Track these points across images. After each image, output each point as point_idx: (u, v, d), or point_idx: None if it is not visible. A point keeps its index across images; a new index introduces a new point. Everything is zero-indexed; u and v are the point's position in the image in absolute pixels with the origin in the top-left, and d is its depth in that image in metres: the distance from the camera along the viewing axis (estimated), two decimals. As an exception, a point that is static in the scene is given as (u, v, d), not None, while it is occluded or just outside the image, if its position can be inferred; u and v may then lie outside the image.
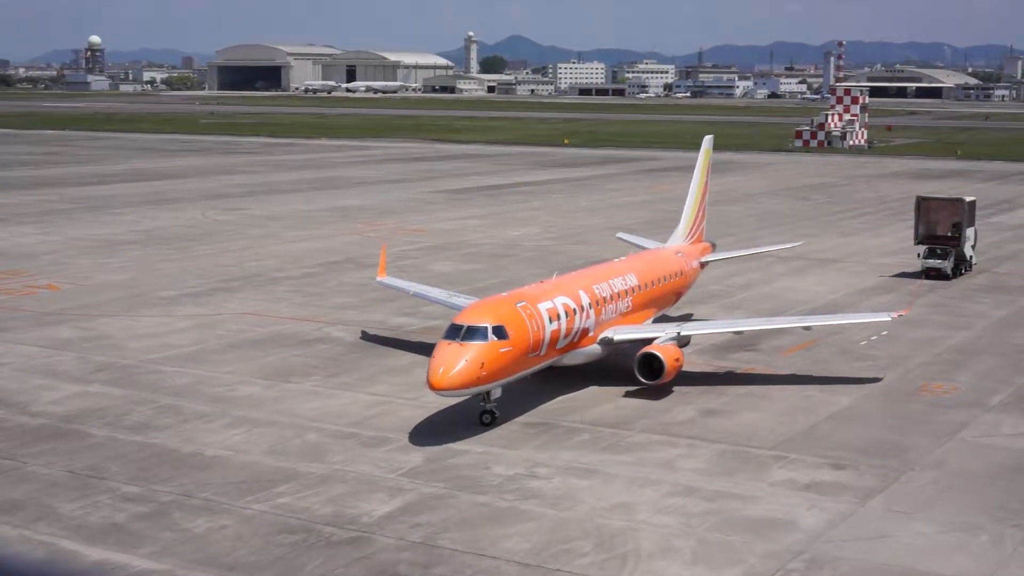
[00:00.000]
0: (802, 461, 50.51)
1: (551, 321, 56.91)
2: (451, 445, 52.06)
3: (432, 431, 53.97)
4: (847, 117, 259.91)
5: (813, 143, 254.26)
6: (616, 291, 64.16)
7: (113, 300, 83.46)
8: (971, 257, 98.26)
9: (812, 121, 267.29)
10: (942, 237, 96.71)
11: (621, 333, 62.62)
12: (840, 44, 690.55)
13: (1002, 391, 62.12)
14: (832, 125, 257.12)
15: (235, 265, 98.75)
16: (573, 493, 46.56)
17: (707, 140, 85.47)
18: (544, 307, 57.00)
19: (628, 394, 60.31)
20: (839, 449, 52.10)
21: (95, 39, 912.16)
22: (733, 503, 45.62)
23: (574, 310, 59.18)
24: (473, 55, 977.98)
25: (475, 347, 52.09)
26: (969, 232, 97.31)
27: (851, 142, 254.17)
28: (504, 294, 59.29)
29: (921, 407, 59.09)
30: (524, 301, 56.42)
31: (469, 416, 55.49)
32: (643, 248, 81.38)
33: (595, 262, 77.02)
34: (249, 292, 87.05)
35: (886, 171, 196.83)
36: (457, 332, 52.79)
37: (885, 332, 74.72)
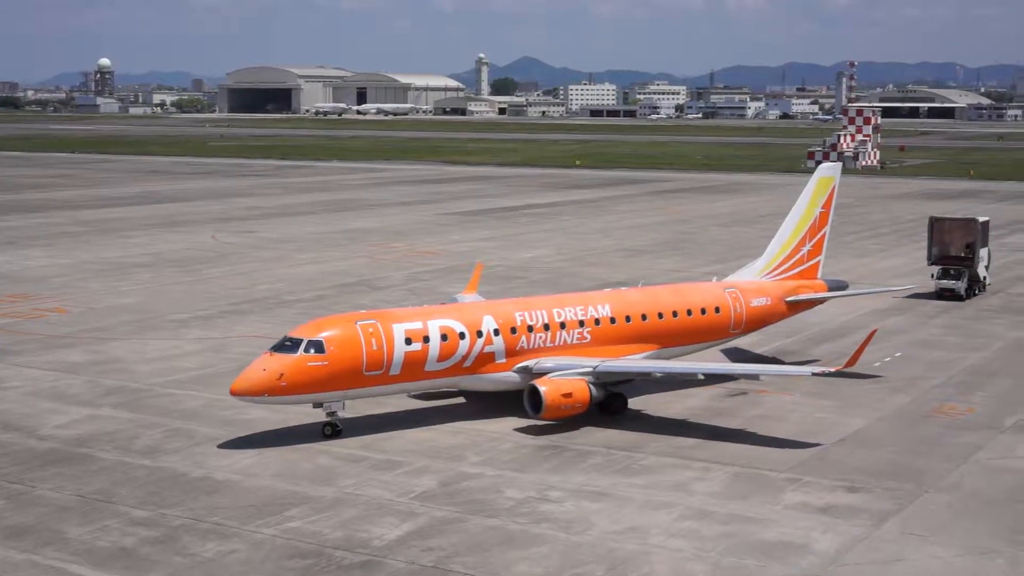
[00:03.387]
0: (816, 484, 50.12)
1: (408, 343, 56.73)
2: (463, 469, 51.80)
3: (444, 454, 53.76)
4: (859, 138, 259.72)
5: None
6: (561, 320, 61.68)
7: (122, 323, 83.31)
8: (985, 277, 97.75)
9: (824, 142, 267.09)
10: (956, 257, 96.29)
11: (545, 363, 59.80)
12: (852, 64, 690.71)
13: (1017, 413, 61.68)
14: (844, 146, 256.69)
15: (246, 288, 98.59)
16: (585, 516, 46.23)
17: (826, 168, 76.48)
18: (401, 328, 56.97)
19: (639, 416, 60.07)
20: (853, 472, 51.70)
21: (105, 61, 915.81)
22: (747, 526, 45.24)
23: (460, 334, 58.53)
24: (484, 77, 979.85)
25: (280, 359, 54.36)
26: (983, 252, 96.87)
27: (864, 163, 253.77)
28: (361, 312, 60.38)
29: (936, 429, 58.65)
30: (373, 320, 56.90)
31: (481, 440, 55.31)
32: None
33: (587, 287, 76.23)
34: (259, 315, 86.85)
35: (899, 192, 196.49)
36: (279, 343, 55.69)
37: (899, 353, 74.35)
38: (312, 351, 54.46)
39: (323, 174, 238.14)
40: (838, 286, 76.94)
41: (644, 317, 64.74)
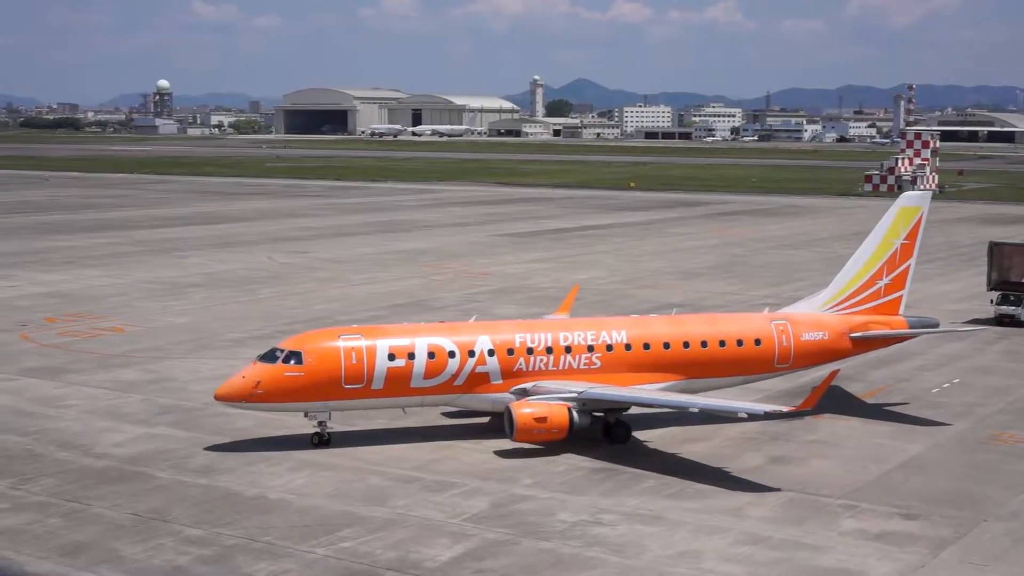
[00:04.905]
0: (873, 510, 49.62)
1: (391, 359, 57.80)
2: (515, 491, 51.67)
3: (497, 476, 53.64)
4: (917, 161, 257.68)
5: (883, 187, 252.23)
6: (567, 344, 61.07)
7: (178, 343, 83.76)
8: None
9: (882, 165, 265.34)
10: (1016, 283, 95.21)
11: (543, 386, 59.21)
12: (911, 88, 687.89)
13: (1078, 440, 60.83)
14: (902, 169, 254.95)
15: (300, 308, 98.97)
16: (638, 540, 45.96)
17: (910, 198, 71.26)
18: (386, 343, 58.15)
19: (693, 440, 59.72)
20: (910, 498, 51.16)
21: (163, 83, 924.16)
22: (802, 552, 44.83)
23: (450, 353, 58.93)
24: (539, 99, 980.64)
25: (260, 367, 57.05)
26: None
27: (922, 187, 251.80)
28: (352, 327, 61.84)
29: (994, 456, 57.98)
30: (359, 336, 58.35)
31: (534, 463, 55.19)
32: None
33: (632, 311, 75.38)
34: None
35: (957, 216, 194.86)
36: (266, 353, 58.46)
37: (958, 380, 73.64)
38: (291, 362, 56.75)
39: (378, 195, 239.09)
40: (923, 323, 72.00)
41: (666, 345, 62.76)
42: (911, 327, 70.16)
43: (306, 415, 58.10)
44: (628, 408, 60.26)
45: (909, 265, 69.48)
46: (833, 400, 68.17)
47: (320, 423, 58.27)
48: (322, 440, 58.16)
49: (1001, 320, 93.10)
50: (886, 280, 68.77)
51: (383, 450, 57.54)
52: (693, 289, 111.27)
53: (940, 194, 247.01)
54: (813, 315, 67.75)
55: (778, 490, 52.19)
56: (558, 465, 55.51)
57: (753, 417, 58.83)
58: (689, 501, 50.76)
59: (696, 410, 59.41)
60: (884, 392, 70.78)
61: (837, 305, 68.32)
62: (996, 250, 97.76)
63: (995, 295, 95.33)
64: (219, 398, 57.61)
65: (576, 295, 78.80)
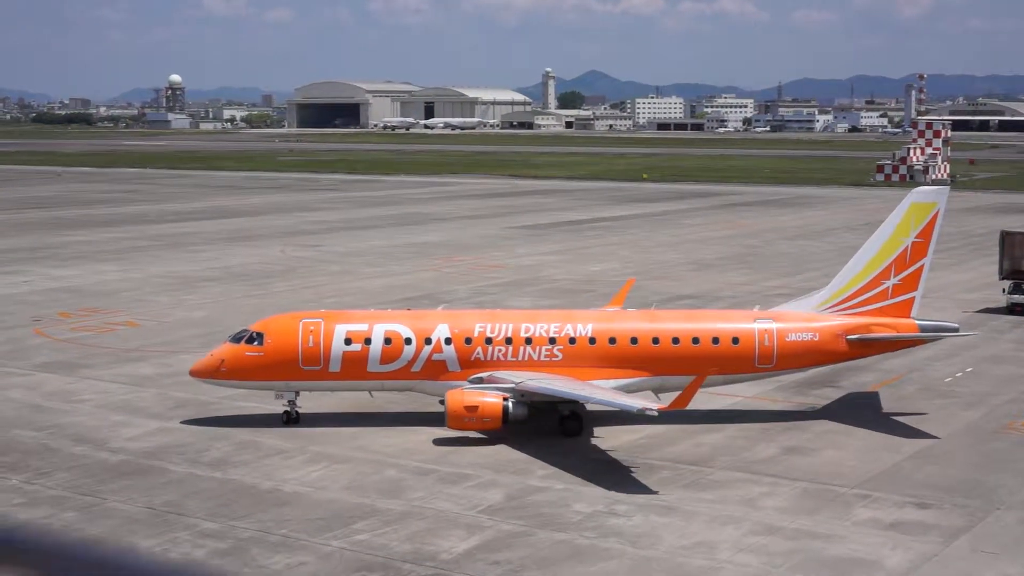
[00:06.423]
0: (886, 500, 49.71)
1: (348, 343, 60.29)
2: (530, 482, 51.82)
3: (511, 468, 53.81)
4: (929, 151, 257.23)
5: (895, 177, 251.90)
6: (528, 336, 60.91)
7: (192, 336, 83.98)
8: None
9: (894, 155, 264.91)
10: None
11: (498, 376, 59.30)
12: (921, 77, 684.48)
13: (1092, 429, 60.84)
14: (914, 159, 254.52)
15: (314, 301, 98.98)
16: (653, 531, 46.10)
17: (923, 193, 65.65)
18: (343, 328, 60.81)
19: (707, 431, 59.85)
20: (923, 488, 51.23)
21: (176, 78, 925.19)
22: (816, 542, 44.94)
23: (406, 340, 60.31)
24: (551, 91, 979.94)
25: (227, 347, 60.99)
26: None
27: (933, 176, 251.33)
28: (318, 311, 65.24)
29: (1007, 445, 58.03)
30: (320, 319, 61.41)
31: (549, 454, 55.35)
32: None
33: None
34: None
35: (969, 205, 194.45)
36: (235, 334, 62.03)
37: (970, 369, 73.66)
38: (254, 343, 60.28)
39: (390, 188, 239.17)
40: (937, 328, 66.37)
41: (634, 340, 61.42)
42: (923, 331, 64.97)
43: (276, 396, 61.13)
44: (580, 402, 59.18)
45: (923, 265, 64.20)
46: (845, 390, 68.31)
47: (289, 402, 61.15)
48: (291, 419, 61.06)
49: (1013, 309, 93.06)
50: (894, 280, 63.84)
51: (398, 443, 57.72)
52: (706, 280, 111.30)
53: (951, 183, 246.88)
54: (803, 315, 64.18)
55: (792, 480, 52.30)
56: (572, 457, 55.64)
57: (640, 414, 55.45)
58: (703, 492, 50.88)
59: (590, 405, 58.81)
60: (897, 382, 70.80)
61: (836, 306, 64.09)
62: (1008, 239, 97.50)
63: (1007, 284, 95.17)
64: (192, 374, 62.05)
65: (629, 290, 75.90)
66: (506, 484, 51.62)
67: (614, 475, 53.00)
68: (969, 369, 73.90)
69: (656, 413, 53.50)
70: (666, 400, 54.66)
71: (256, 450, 56.60)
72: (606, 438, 58.02)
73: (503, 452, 56.11)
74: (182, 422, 61.66)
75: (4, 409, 64.22)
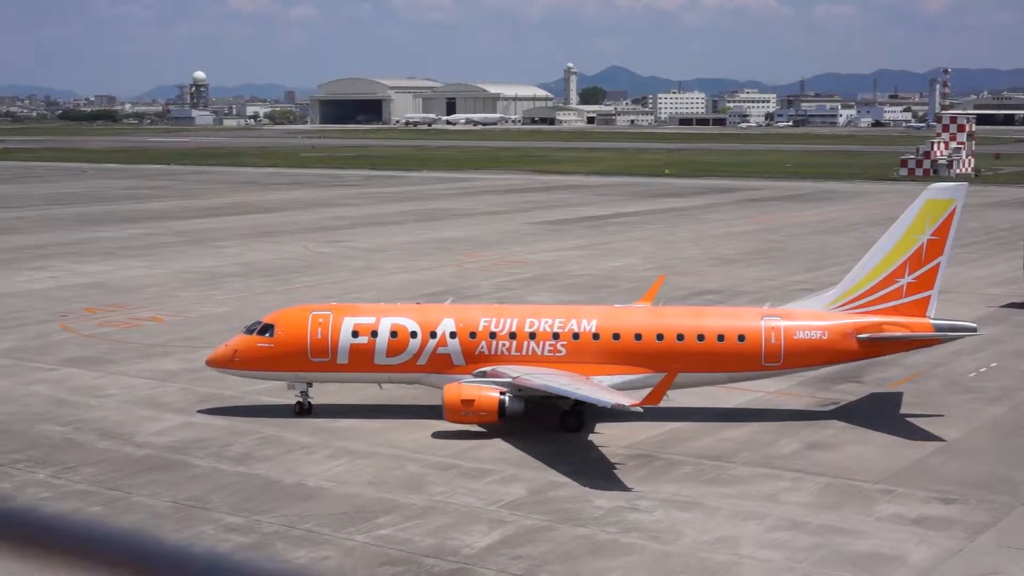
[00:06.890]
0: (910, 495, 49.64)
1: (355, 335, 61.21)
2: (552, 477, 51.87)
3: (533, 463, 53.84)
4: (953, 145, 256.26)
5: (919, 172, 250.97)
6: (532, 331, 60.95)
7: (216, 332, 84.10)
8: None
9: (918, 149, 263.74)
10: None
11: (501, 370, 59.16)
12: (946, 71, 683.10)
13: (1116, 424, 60.62)
14: (938, 153, 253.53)
15: (336, 297, 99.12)
16: (675, 526, 46.13)
17: (939, 190, 64.88)
18: (352, 321, 61.79)
19: (728, 426, 59.83)
20: (948, 483, 51.15)
21: (200, 75, 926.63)
22: (839, 538, 44.90)
23: (412, 333, 60.99)
24: (573, 86, 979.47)
25: (240, 338, 62.33)
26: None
27: (958, 171, 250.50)
28: (329, 304, 66.77)
29: (1032, 440, 57.86)
30: (330, 312, 62.47)
31: (571, 449, 55.40)
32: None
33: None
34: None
35: (994, 199, 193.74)
36: (250, 325, 63.48)
37: (995, 364, 73.48)
38: (266, 334, 61.39)
39: (412, 184, 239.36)
40: (954, 328, 64.97)
41: (638, 337, 61.06)
42: (938, 330, 63.54)
43: (289, 386, 62.15)
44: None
45: (939, 263, 62.89)
46: (869, 385, 68.21)
47: (301, 393, 61.97)
48: (303, 409, 61.86)
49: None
50: (909, 278, 62.48)
51: (420, 438, 57.84)
52: (728, 275, 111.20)
53: (976, 178, 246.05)
54: (812, 313, 63.26)
55: (815, 475, 52.26)
56: (594, 452, 55.72)
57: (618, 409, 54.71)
58: (725, 487, 50.88)
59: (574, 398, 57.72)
60: (920, 377, 70.68)
61: (847, 304, 62.83)
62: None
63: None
64: (208, 363, 63.60)
65: (660, 286, 75.44)
66: (528, 479, 51.70)
67: (635, 470, 53.03)
68: (994, 364, 73.73)
69: (631, 408, 52.55)
70: (645, 397, 53.33)
71: (280, 445, 56.81)
72: (627, 434, 58.02)
73: (525, 447, 56.15)
74: (206, 416, 61.95)
75: (31, 404, 64.57)
